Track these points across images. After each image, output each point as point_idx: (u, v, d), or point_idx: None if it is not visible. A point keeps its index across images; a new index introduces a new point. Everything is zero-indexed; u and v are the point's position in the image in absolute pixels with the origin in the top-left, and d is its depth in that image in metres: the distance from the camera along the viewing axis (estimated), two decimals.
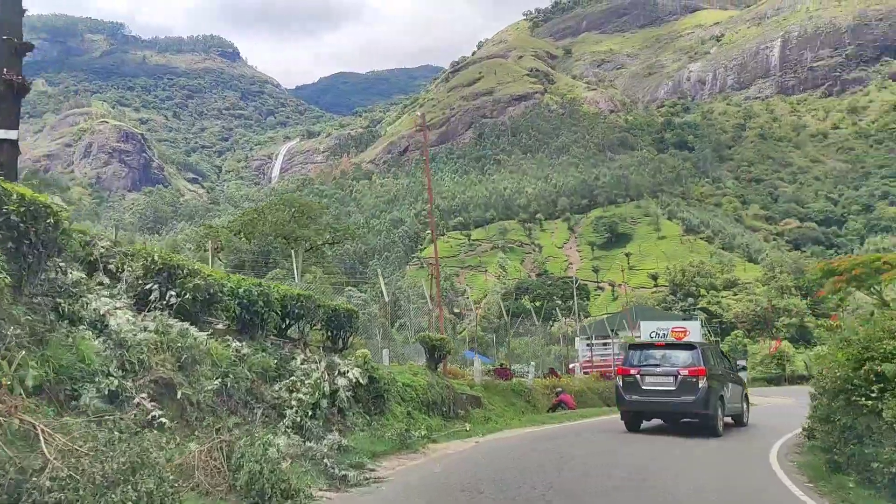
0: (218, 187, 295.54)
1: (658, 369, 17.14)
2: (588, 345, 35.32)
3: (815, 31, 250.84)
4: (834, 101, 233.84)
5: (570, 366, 32.41)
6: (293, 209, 52.52)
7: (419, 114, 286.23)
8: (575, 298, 31.84)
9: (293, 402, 11.07)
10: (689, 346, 17.86)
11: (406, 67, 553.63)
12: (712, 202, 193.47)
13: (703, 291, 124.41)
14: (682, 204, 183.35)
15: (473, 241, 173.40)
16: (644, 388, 17.12)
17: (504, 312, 28.23)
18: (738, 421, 19.46)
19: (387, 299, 20.98)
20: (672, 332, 35.84)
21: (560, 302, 51.40)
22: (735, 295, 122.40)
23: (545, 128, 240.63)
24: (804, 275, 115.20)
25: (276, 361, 11.91)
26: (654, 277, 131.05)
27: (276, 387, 11.34)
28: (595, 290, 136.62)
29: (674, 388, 16.65)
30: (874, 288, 46.33)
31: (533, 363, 26.80)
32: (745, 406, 19.99)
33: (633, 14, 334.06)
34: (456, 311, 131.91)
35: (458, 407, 18.41)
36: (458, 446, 14.63)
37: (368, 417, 13.59)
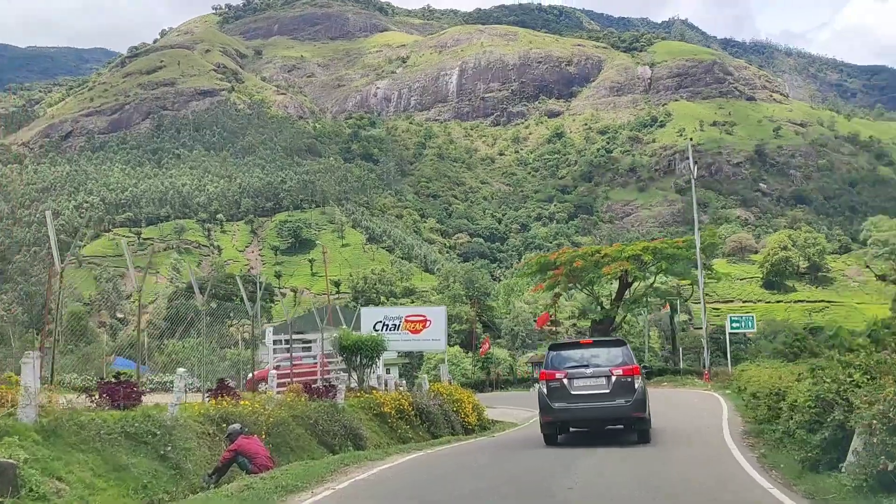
0: None
1: (588, 371, 15.04)
2: (283, 342, 25.55)
3: (487, 66, 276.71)
4: (501, 130, 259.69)
5: (250, 375, 22.77)
6: None
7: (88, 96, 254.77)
8: (259, 294, 25.40)
9: None
10: (618, 343, 16.36)
11: (76, 47, 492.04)
12: (394, 213, 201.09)
13: (383, 298, 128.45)
14: (366, 213, 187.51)
15: (145, 239, 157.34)
16: (573, 393, 14.84)
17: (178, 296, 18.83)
18: None
19: None
20: (406, 320, 31.65)
21: (241, 303, 45.89)
22: (413, 302, 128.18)
23: (231, 126, 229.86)
24: (473, 284, 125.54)
25: None
26: (337, 284, 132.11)
27: None
28: (278, 295, 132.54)
29: (607, 391, 14.66)
30: (591, 286, 47.87)
31: (183, 370, 13.99)
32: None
33: (326, 25, 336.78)
34: (120, 315, 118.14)
35: None
36: None
37: None
